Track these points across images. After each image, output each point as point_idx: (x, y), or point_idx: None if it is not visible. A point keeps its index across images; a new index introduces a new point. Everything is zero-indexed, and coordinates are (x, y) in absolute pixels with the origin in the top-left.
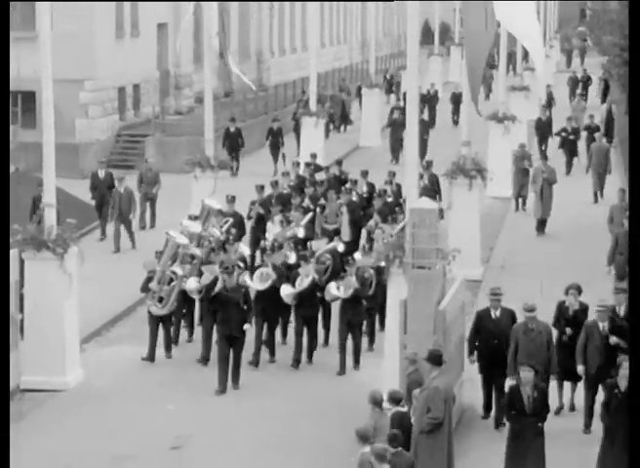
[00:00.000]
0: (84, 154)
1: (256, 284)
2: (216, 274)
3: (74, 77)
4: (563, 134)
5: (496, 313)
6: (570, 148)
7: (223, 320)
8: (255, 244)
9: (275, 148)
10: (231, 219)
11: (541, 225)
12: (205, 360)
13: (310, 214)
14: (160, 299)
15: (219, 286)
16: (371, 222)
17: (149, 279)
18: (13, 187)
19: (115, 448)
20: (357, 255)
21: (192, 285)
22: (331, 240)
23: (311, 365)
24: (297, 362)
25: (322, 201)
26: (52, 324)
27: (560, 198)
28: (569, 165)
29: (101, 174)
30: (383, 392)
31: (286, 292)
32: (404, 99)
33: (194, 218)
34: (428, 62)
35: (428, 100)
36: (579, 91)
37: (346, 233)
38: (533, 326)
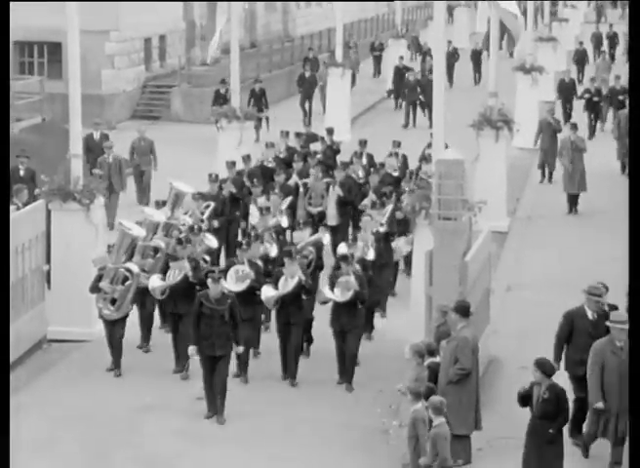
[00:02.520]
0: (110, 105)
1: (230, 284)
2: (185, 271)
3: (100, 28)
4: (586, 95)
5: (594, 314)
6: (593, 111)
7: (205, 336)
8: (227, 231)
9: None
10: (213, 204)
11: (574, 201)
12: (182, 370)
13: (290, 199)
14: (113, 301)
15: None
16: (365, 201)
17: (99, 277)
18: (40, 138)
19: (139, 400)
20: (342, 248)
21: (155, 283)
22: (315, 225)
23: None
24: (292, 377)
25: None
26: (78, 274)
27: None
28: (591, 129)
29: (97, 135)
30: (417, 344)
31: (267, 294)
32: (423, 57)
33: (161, 204)
34: (454, 14)
35: (447, 59)
36: (603, 48)
37: (333, 217)
38: (621, 343)
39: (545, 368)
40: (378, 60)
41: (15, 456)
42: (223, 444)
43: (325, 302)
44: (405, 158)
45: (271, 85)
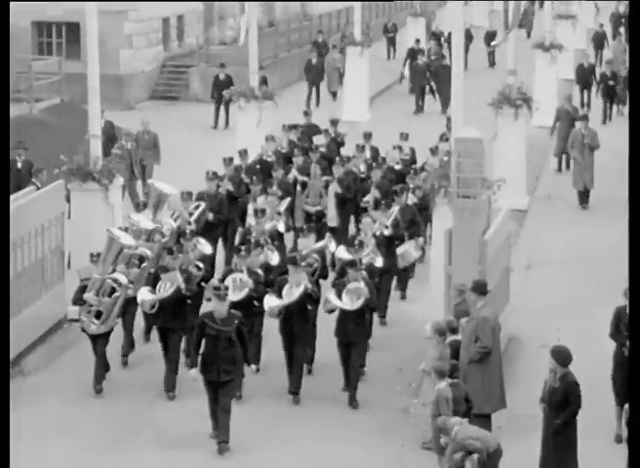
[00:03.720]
0: (128, 85)
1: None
2: (178, 284)
3: (119, 8)
4: (602, 83)
5: None
6: (608, 94)
7: (209, 360)
8: (224, 233)
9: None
10: (203, 204)
11: (584, 197)
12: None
13: (288, 201)
14: (98, 314)
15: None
16: (367, 198)
17: (83, 288)
18: (58, 119)
19: (156, 378)
20: (341, 252)
21: (145, 296)
22: (312, 223)
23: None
24: (295, 393)
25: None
26: None
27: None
28: (605, 113)
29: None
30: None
31: (271, 304)
32: (438, 42)
33: (142, 207)
34: None
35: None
36: (621, 29)
37: (333, 218)
38: None
39: (560, 356)
40: (391, 42)
41: (34, 435)
42: None
43: (332, 311)
44: (413, 151)
45: (290, 65)
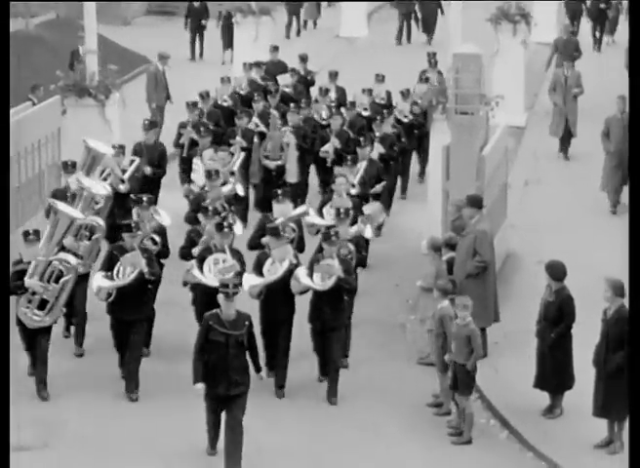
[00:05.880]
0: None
1: (208, 278)
2: (140, 268)
3: None
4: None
5: None
6: (597, 18)
7: (217, 371)
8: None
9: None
10: (138, 159)
11: (565, 144)
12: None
13: (242, 156)
14: (41, 304)
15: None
16: (326, 147)
17: (21, 273)
18: (54, 34)
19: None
20: (312, 217)
21: (102, 282)
22: (272, 184)
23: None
24: (280, 386)
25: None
26: None
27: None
28: (596, 40)
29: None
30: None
31: (252, 282)
32: None
33: (71, 167)
34: None
35: None
36: None
37: (293, 173)
38: None
39: (554, 271)
40: None
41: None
42: None
43: (302, 292)
44: (389, 95)
45: None
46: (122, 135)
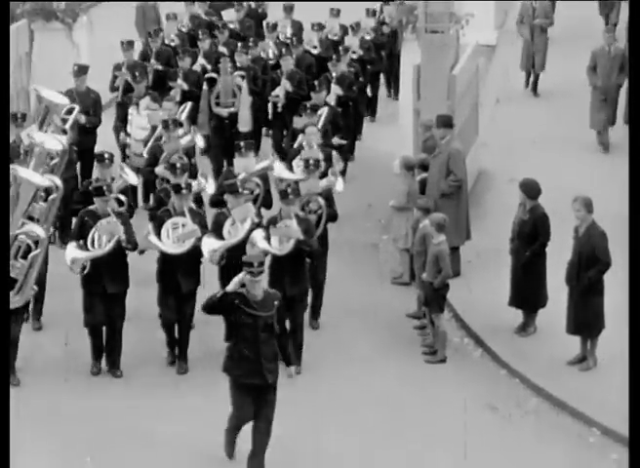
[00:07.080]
0: None
1: (167, 245)
2: (118, 235)
3: None
4: None
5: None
6: None
7: (247, 359)
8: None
9: None
10: (77, 107)
11: (532, 81)
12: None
13: (190, 104)
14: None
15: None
16: (276, 91)
17: None
18: None
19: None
20: (280, 170)
21: (76, 253)
22: (223, 130)
23: None
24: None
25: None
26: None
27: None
28: None
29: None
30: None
31: (212, 246)
32: None
33: (20, 119)
34: None
35: None
36: None
37: (246, 120)
38: None
39: (528, 189)
40: None
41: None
42: None
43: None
44: (345, 30)
45: None
46: (90, 59)
